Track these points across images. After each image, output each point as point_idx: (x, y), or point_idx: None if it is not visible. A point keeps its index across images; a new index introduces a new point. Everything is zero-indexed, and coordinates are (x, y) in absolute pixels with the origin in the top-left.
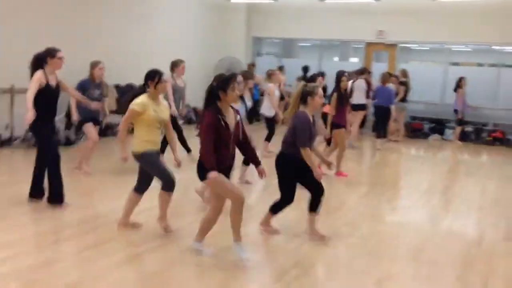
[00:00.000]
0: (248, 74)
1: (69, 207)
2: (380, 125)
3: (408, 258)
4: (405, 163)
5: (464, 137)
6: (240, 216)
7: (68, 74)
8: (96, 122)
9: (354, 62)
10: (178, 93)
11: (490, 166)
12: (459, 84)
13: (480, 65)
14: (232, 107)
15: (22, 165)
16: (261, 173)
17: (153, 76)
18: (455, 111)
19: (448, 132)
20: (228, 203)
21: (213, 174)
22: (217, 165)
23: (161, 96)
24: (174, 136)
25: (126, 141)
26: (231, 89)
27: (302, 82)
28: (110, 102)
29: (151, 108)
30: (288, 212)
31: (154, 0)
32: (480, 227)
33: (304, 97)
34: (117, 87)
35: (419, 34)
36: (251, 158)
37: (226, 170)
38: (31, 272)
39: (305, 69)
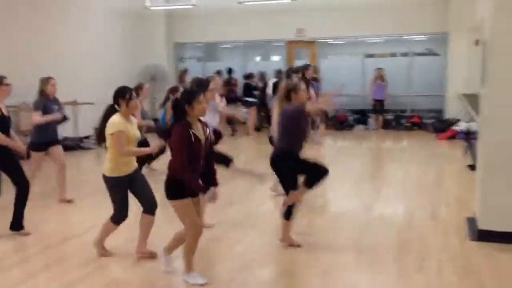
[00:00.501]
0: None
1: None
2: None
3: (348, 247)
4: (332, 155)
5: (385, 124)
6: (193, 245)
7: None
8: (57, 141)
9: (276, 61)
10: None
11: (411, 150)
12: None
13: (393, 55)
14: (200, 120)
15: None
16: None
17: (124, 94)
18: (376, 101)
19: (371, 122)
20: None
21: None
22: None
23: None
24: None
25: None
26: (197, 102)
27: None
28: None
29: (128, 127)
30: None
31: (66, 11)
32: (408, 210)
33: (288, 94)
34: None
35: (336, 30)
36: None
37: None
38: None
39: (229, 71)
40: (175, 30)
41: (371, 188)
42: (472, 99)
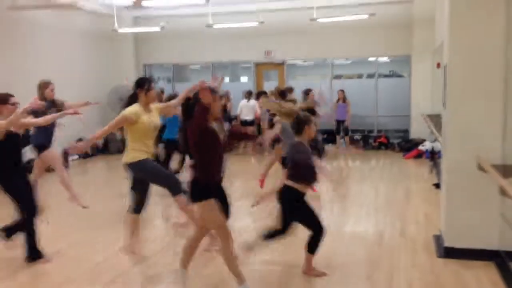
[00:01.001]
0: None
1: None
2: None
3: (319, 264)
4: None
5: (353, 144)
6: (229, 248)
7: None
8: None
9: (244, 82)
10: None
11: (380, 169)
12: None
13: (360, 76)
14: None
15: None
16: None
17: (143, 84)
18: (339, 121)
19: (340, 141)
20: None
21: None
22: (211, 181)
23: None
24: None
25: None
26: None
27: None
28: None
29: (144, 116)
30: None
31: (40, 33)
32: (378, 227)
33: (300, 126)
34: None
35: (304, 52)
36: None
37: (217, 186)
38: None
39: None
40: (143, 52)
41: (341, 206)
42: (436, 120)
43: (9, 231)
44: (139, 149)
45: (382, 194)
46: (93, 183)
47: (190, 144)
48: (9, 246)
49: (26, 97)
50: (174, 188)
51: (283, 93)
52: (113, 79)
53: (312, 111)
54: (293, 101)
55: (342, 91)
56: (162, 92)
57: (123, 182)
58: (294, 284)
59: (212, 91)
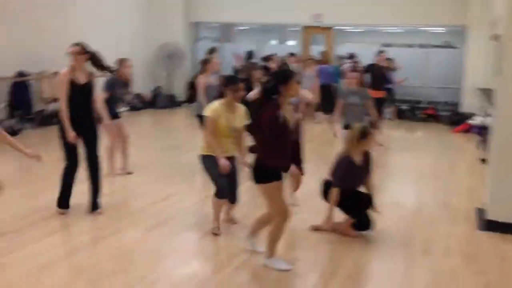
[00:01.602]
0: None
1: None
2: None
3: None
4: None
5: (400, 115)
6: (280, 230)
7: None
8: (119, 117)
9: (292, 45)
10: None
11: (425, 141)
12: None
13: (410, 46)
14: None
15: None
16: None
17: (232, 84)
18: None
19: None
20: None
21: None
22: (277, 166)
23: (238, 104)
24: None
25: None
26: (292, 82)
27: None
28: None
29: (224, 116)
30: None
31: None
32: (419, 197)
33: (362, 136)
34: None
35: (354, 17)
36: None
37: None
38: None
39: (250, 54)
40: (192, 10)
41: (384, 173)
42: (488, 94)
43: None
44: (208, 145)
45: (426, 165)
46: (138, 135)
47: (257, 126)
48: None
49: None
50: (216, 191)
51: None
52: (161, 36)
53: None
54: None
55: (391, 59)
56: (214, 50)
57: (165, 136)
58: (329, 242)
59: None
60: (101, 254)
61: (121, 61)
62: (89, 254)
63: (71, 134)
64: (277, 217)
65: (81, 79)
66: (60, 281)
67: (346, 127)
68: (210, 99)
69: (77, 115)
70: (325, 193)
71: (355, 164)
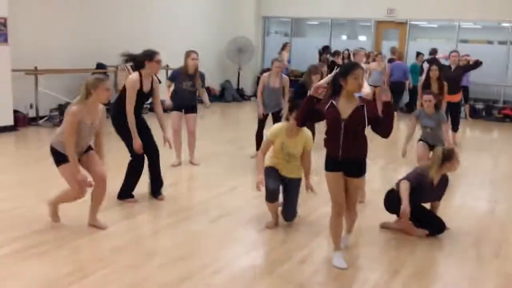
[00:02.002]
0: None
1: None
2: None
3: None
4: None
5: (474, 114)
6: (333, 221)
7: (80, 58)
8: (188, 110)
9: (363, 41)
10: (270, 95)
11: (501, 142)
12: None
13: (489, 42)
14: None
15: (48, 141)
16: None
17: (297, 109)
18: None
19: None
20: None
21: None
22: (331, 158)
23: (302, 129)
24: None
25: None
26: (353, 76)
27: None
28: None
29: (281, 140)
30: None
31: None
32: (492, 199)
33: (448, 159)
34: (133, 67)
35: (429, 12)
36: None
37: (340, 164)
38: (76, 239)
39: (325, 49)
40: (263, 4)
41: (456, 173)
42: None
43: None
44: (269, 156)
45: (500, 167)
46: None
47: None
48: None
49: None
50: (266, 195)
51: None
52: (232, 31)
53: None
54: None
55: (468, 55)
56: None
57: (231, 129)
58: (397, 240)
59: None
60: (168, 241)
61: (188, 53)
62: (157, 240)
63: (138, 144)
64: (332, 205)
65: (146, 87)
66: (130, 263)
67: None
68: (266, 100)
69: (138, 116)
70: (388, 204)
71: (431, 185)
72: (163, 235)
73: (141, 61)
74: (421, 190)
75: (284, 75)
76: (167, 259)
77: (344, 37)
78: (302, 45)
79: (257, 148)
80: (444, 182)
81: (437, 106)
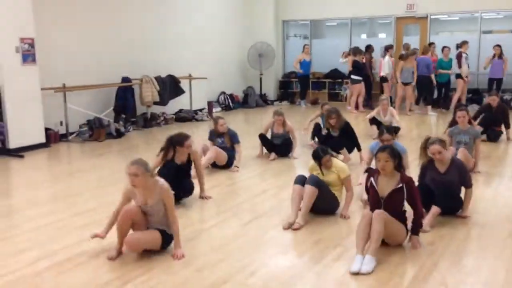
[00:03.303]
0: None
1: None
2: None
3: (461, 222)
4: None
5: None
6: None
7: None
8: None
9: (383, 37)
10: (276, 138)
11: None
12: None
13: None
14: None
15: (79, 155)
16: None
17: (319, 157)
18: (493, 80)
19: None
20: None
21: None
22: None
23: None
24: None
25: None
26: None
27: None
28: (153, 94)
29: (317, 171)
30: None
31: None
32: None
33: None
34: (157, 79)
35: (449, 4)
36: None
37: None
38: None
39: (368, 48)
40: (282, 8)
41: (487, 166)
42: None
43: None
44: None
45: None
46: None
47: None
48: None
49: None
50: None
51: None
52: (253, 36)
53: None
54: None
55: (499, 46)
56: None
57: (257, 134)
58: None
59: None
60: (206, 244)
61: (216, 120)
62: (195, 245)
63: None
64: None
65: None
66: (168, 269)
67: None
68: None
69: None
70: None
71: (437, 172)
72: (198, 240)
73: (173, 146)
74: (430, 179)
75: (289, 123)
76: (203, 263)
77: (364, 35)
78: (322, 47)
79: (260, 148)
80: (455, 167)
81: (470, 121)
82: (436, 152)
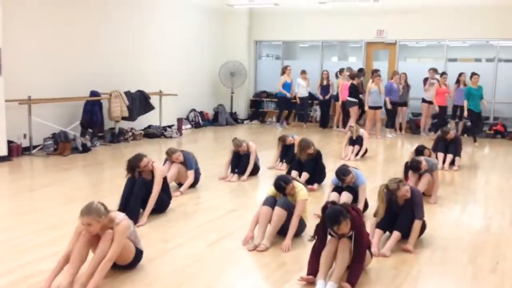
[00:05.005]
0: None
1: None
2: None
3: (423, 245)
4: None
5: (466, 130)
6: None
7: (75, 81)
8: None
9: (353, 62)
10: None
11: (493, 158)
12: (459, 79)
13: (477, 60)
14: None
15: (42, 170)
16: None
17: (284, 187)
18: (457, 106)
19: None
20: None
21: None
22: None
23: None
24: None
25: None
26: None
27: None
28: (122, 109)
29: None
30: None
31: (155, 7)
32: (487, 215)
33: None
34: (126, 94)
35: (417, 32)
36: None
37: None
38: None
39: (360, 71)
40: (255, 28)
41: (448, 191)
42: None
43: None
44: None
45: (494, 182)
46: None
47: None
48: None
49: (145, 69)
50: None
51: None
52: (225, 54)
53: None
54: None
55: (463, 73)
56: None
57: (225, 153)
58: (393, 257)
59: None
60: (169, 265)
61: (169, 153)
62: (157, 265)
63: None
64: None
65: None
66: None
67: None
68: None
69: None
70: None
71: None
72: (161, 261)
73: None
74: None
75: (251, 144)
76: (166, 285)
77: (335, 58)
78: (294, 68)
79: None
80: (413, 197)
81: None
82: (406, 193)
